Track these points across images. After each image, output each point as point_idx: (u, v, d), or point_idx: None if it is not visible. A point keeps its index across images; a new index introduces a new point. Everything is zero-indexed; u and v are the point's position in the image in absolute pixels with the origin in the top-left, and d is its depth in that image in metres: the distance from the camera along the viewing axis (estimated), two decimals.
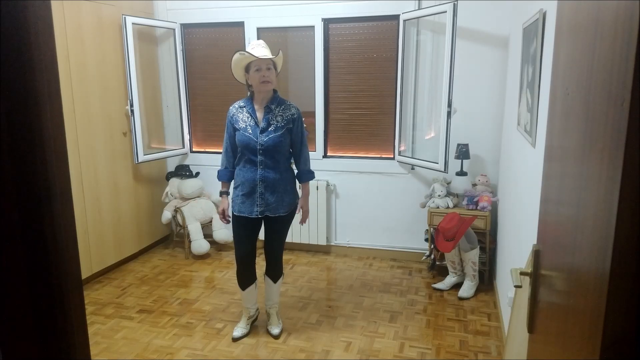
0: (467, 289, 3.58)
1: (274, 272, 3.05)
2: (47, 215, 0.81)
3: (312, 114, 4.30)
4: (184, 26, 4.50)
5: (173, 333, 3.13)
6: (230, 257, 4.37)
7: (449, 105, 3.52)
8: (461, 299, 3.55)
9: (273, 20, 4.24)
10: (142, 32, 4.27)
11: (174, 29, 4.44)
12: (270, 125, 2.81)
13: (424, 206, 3.93)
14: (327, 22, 4.15)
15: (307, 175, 2.98)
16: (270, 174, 2.82)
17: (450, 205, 3.82)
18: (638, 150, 0.66)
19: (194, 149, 4.75)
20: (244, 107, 2.87)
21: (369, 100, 4.20)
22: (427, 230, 4.01)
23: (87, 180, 3.77)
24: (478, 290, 3.63)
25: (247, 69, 2.80)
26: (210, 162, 4.61)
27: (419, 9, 3.81)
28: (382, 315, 3.34)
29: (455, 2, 3.35)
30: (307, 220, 3.09)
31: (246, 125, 2.81)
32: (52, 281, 0.83)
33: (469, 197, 3.76)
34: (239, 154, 2.89)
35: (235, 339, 3.03)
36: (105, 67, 3.89)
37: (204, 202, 4.48)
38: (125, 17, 3.93)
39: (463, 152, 3.76)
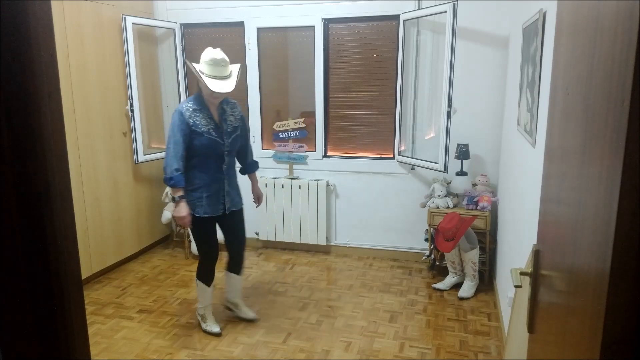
0: (467, 289, 3.58)
1: (240, 264, 3.18)
2: (47, 215, 0.81)
3: (312, 114, 4.30)
4: (184, 26, 4.50)
5: (173, 333, 3.13)
6: None
7: (449, 105, 3.52)
8: (461, 299, 3.54)
9: (273, 20, 4.24)
10: (142, 32, 4.27)
11: (174, 29, 4.44)
12: (228, 126, 2.89)
13: (424, 206, 3.93)
14: (327, 22, 4.14)
15: (255, 165, 3.23)
16: (232, 172, 3.00)
17: (450, 205, 3.82)
18: (638, 150, 0.66)
19: None
20: (199, 109, 2.80)
21: (369, 100, 4.20)
22: (427, 230, 4.01)
23: (87, 180, 3.77)
24: (478, 290, 3.63)
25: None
26: None
27: (419, 9, 3.81)
28: (382, 315, 3.34)
29: (455, 2, 3.35)
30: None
31: (209, 129, 2.80)
32: (52, 281, 0.82)
33: (469, 197, 3.76)
34: (194, 157, 2.82)
35: (219, 333, 3.08)
36: (105, 67, 3.89)
37: None
38: (125, 17, 3.93)
39: (463, 152, 3.76)
